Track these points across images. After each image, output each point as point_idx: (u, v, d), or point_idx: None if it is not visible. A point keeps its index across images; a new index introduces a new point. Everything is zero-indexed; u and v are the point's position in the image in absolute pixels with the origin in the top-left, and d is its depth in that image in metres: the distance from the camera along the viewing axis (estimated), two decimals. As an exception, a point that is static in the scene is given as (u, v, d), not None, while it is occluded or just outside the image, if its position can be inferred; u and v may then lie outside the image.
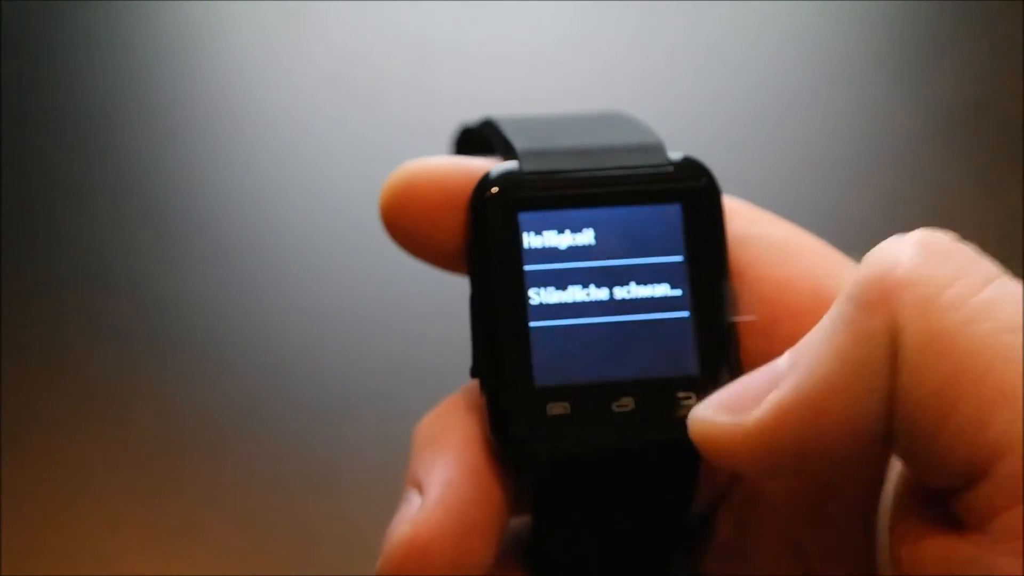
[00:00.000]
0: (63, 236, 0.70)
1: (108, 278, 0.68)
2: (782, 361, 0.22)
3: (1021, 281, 0.21)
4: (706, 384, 0.24)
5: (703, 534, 0.27)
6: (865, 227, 0.68)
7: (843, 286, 0.22)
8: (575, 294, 0.25)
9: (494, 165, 0.26)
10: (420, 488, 0.24)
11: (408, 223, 0.25)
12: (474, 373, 0.25)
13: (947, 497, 0.21)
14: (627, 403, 0.25)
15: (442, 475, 0.24)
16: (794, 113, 0.76)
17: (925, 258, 0.21)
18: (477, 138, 0.29)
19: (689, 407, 0.24)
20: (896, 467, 0.23)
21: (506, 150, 0.26)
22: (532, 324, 0.25)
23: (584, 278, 0.25)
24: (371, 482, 0.58)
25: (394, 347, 0.64)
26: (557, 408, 0.24)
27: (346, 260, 0.68)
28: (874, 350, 0.21)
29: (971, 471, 0.20)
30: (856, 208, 0.70)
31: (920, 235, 0.22)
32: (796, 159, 0.74)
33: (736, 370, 0.25)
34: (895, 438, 0.21)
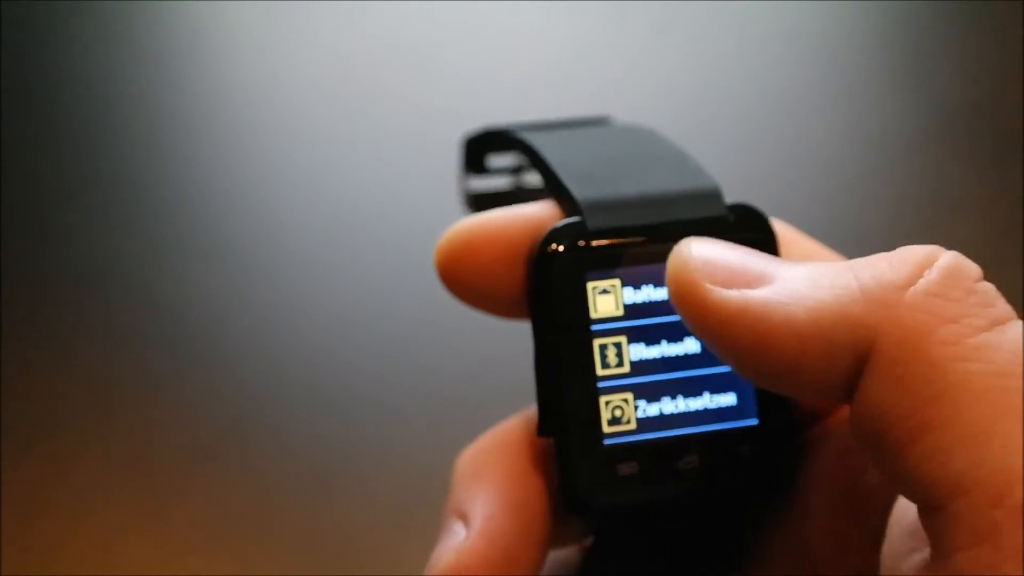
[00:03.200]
0: (63, 236, 0.70)
1: (109, 278, 0.68)
2: (779, 268, 0.23)
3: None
4: (764, 433, 0.25)
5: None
6: (865, 227, 0.68)
7: (863, 261, 0.22)
8: (640, 351, 0.25)
9: (543, 207, 0.26)
10: (464, 519, 0.25)
11: (468, 280, 0.26)
12: (541, 432, 0.25)
13: (921, 518, 0.21)
14: (692, 460, 0.25)
15: (485, 509, 0.25)
16: (794, 113, 0.76)
17: (942, 287, 0.21)
18: (496, 142, 0.29)
19: (749, 459, 0.25)
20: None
21: (560, 193, 0.26)
22: (600, 384, 0.25)
23: (649, 335, 0.25)
24: (373, 485, 0.58)
25: (396, 350, 0.64)
26: (626, 468, 0.25)
27: (348, 262, 0.68)
28: (847, 336, 0.21)
29: (932, 497, 0.20)
30: (856, 208, 0.70)
31: (951, 261, 0.22)
32: (796, 159, 0.74)
33: (789, 417, 0.26)
34: (863, 435, 0.21)
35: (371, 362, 0.63)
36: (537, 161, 0.27)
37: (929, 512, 0.21)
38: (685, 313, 0.23)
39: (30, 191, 0.72)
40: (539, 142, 0.28)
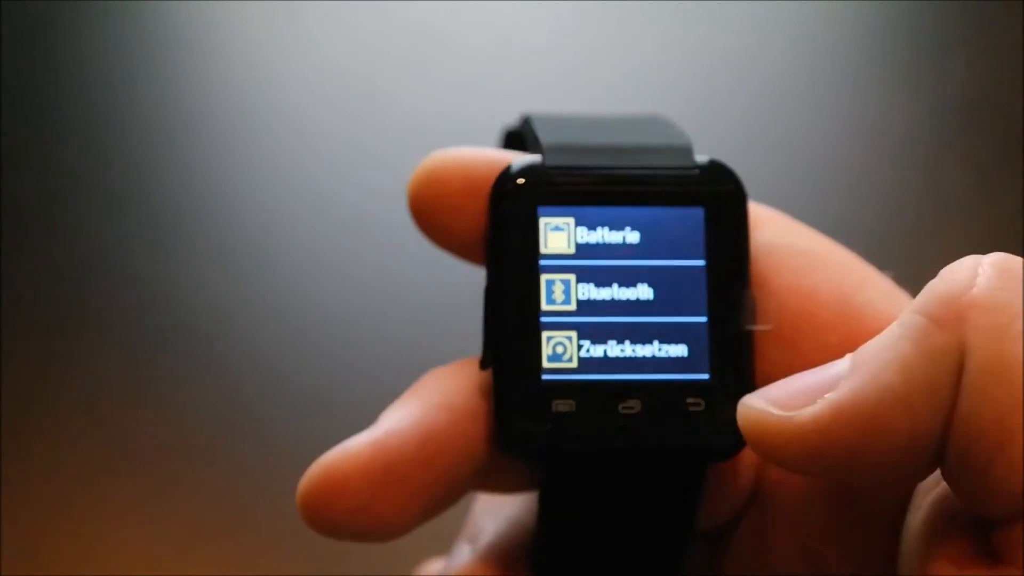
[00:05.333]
0: (64, 236, 0.70)
1: (109, 278, 0.68)
2: (842, 363, 0.22)
3: None
4: (716, 390, 0.24)
5: (722, 541, 0.27)
6: (865, 227, 0.68)
7: (915, 299, 0.21)
8: (589, 291, 0.25)
9: (515, 153, 0.26)
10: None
11: (432, 211, 0.25)
12: (483, 364, 0.25)
13: (988, 527, 0.20)
14: (634, 405, 0.24)
15: (394, 423, 0.24)
16: (794, 113, 0.76)
17: (1003, 282, 0.21)
18: (520, 138, 0.29)
19: (696, 412, 0.24)
20: (926, 488, 0.23)
21: (534, 144, 0.26)
22: (543, 319, 0.25)
23: (599, 276, 0.25)
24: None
25: (397, 347, 0.64)
26: (562, 405, 0.24)
27: (350, 260, 0.68)
28: (940, 367, 0.20)
29: (1018, 506, 0.20)
30: (856, 208, 0.70)
31: (998, 259, 0.21)
32: (796, 158, 0.73)
33: (748, 379, 0.24)
34: (946, 460, 0.21)
35: (368, 362, 0.63)
36: (527, 128, 0.27)
37: (1008, 523, 0.20)
38: (776, 454, 0.22)
39: (28, 191, 0.72)
40: (538, 116, 0.27)
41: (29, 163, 0.74)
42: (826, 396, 0.21)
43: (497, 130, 0.31)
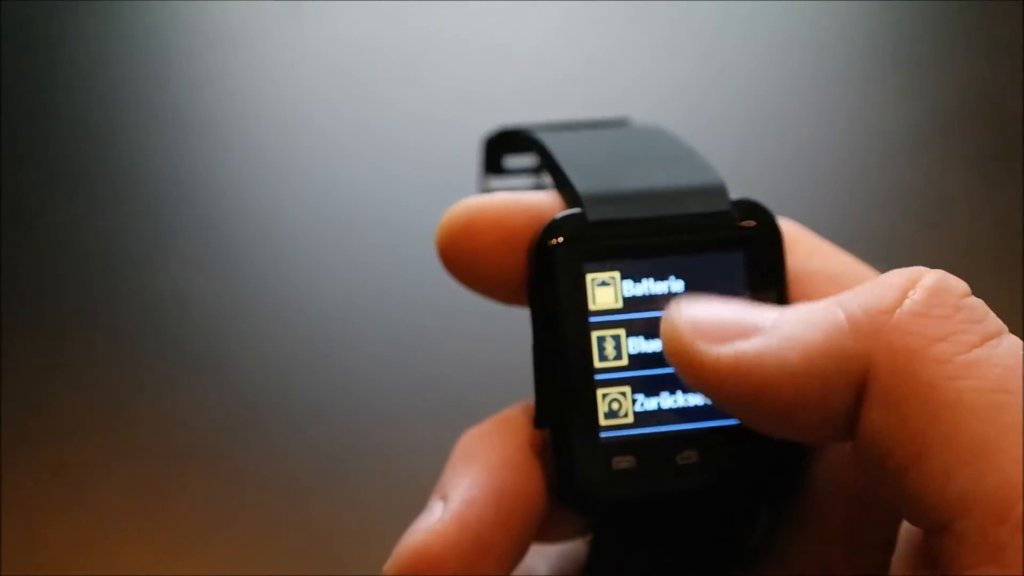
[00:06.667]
0: (64, 235, 0.70)
1: (109, 278, 0.68)
2: (769, 315, 0.23)
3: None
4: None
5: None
6: (865, 227, 0.68)
7: (854, 288, 0.22)
8: (639, 345, 0.25)
9: (547, 196, 0.26)
10: (445, 500, 0.24)
11: (468, 263, 0.26)
12: (538, 423, 0.25)
13: (927, 541, 0.21)
14: (690, 455, 0.25)
15: (467, 492, 0.24)
16: (794, 113, 0.76)
17: (929, 307, 0.21)
18: (512, 141, 0.29)
19: (749, 456, 0.25)
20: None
21: (564, 187, 0.26)
22: (598, 376, 0.25)
23: (648, 328, 0.25)
24: (374, 482, 0.58)
25: (398, 347, 0.64)
26: (622, 462, 0.25)
27: (350, 259, 0.68)
28: (839, 367, 0.21)
29: (936, 519, 0.20)
30: (855, 208, 0.70)
31: (935, 280, 0.22)
32: (796, 158, 0.73)
33: None
34: (867, 464, 0.21)
35: (367, 363, 0.63)
36: (545, 157, 0.27)
37: (934, 534, 0.20)
38: (682, 373, 0.23)
39: (27, 192, 0.72)
40: (550, 140, 0.28)
41: (29, 163, 0.74)
42: (735, 344, 0.22)
43: (520, 127, 0.31)
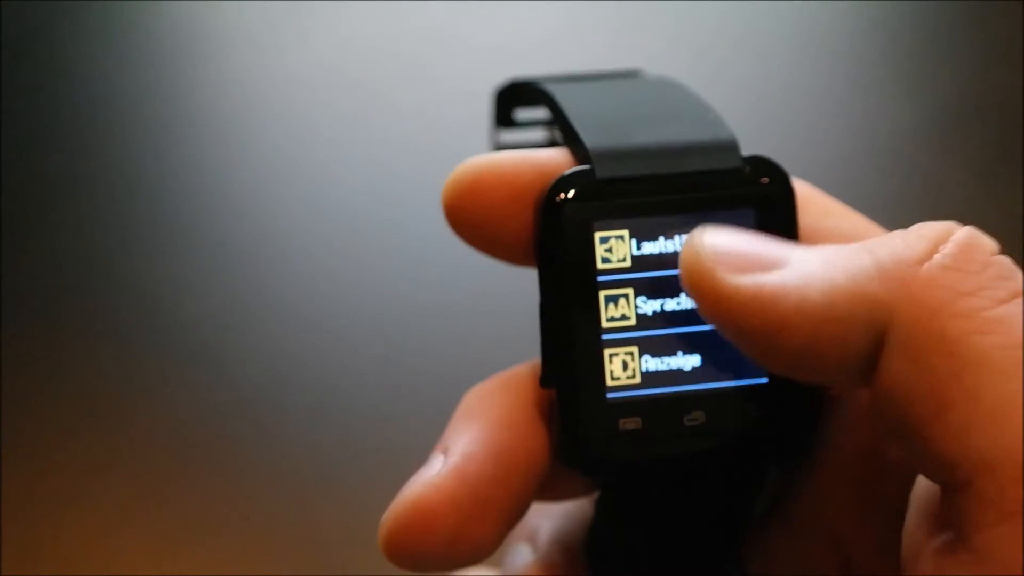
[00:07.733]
0: (63, 236, 0.70)
1: (109, 278, 0.68)
2: (794, 252, 0.22)
3: None
4: (774, 392, 0.25)
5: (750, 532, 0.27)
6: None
7: (887, 238, 0.22)
8: (647, 304, 0.25)
9: (556, 153, 0.25)
10: (445, 454, 0.24)
11: (475, 221, 0.25)
12: (544, 383, 0.25)
13: (943, 500, 0.21)
14: (698, 416, 0.24)
15: (467, 447, 0.24)
16: (793, 112, 0.76)
17: (957, 261, 0.21)
18: (523, 94, 0.28)
19: (757, 417, 0.24)
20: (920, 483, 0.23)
21: (573, 142, 0.25)
22: (604, 336, 0.24)
23: (656, 288, 0.25)
24: (374, 482, 0.57)
25: (398, 347, 0.64)
26: (629, 423, 0.24)
27: (350, 259, 0.68)
28: (860, 312, 0.21)
29: (955, 476, 0.20)
30: (855, 207, 0.70)
31: (966, 235, 0.22)
32: (796, 158, 0.73)
33: None
34: (885, 416, 0.21)
35: (367, 363, 0.63)
36: (555, 111, 0.27)
37: (952, 492, 0.20)
38: (699, 301, 0.22)
39: (27, 192, 0.72)
40: (560, 93, 0.27)
41: (29, 163, 0.74)
42: (756, 275, 0.22)
43: (530, 78, 0.30)
